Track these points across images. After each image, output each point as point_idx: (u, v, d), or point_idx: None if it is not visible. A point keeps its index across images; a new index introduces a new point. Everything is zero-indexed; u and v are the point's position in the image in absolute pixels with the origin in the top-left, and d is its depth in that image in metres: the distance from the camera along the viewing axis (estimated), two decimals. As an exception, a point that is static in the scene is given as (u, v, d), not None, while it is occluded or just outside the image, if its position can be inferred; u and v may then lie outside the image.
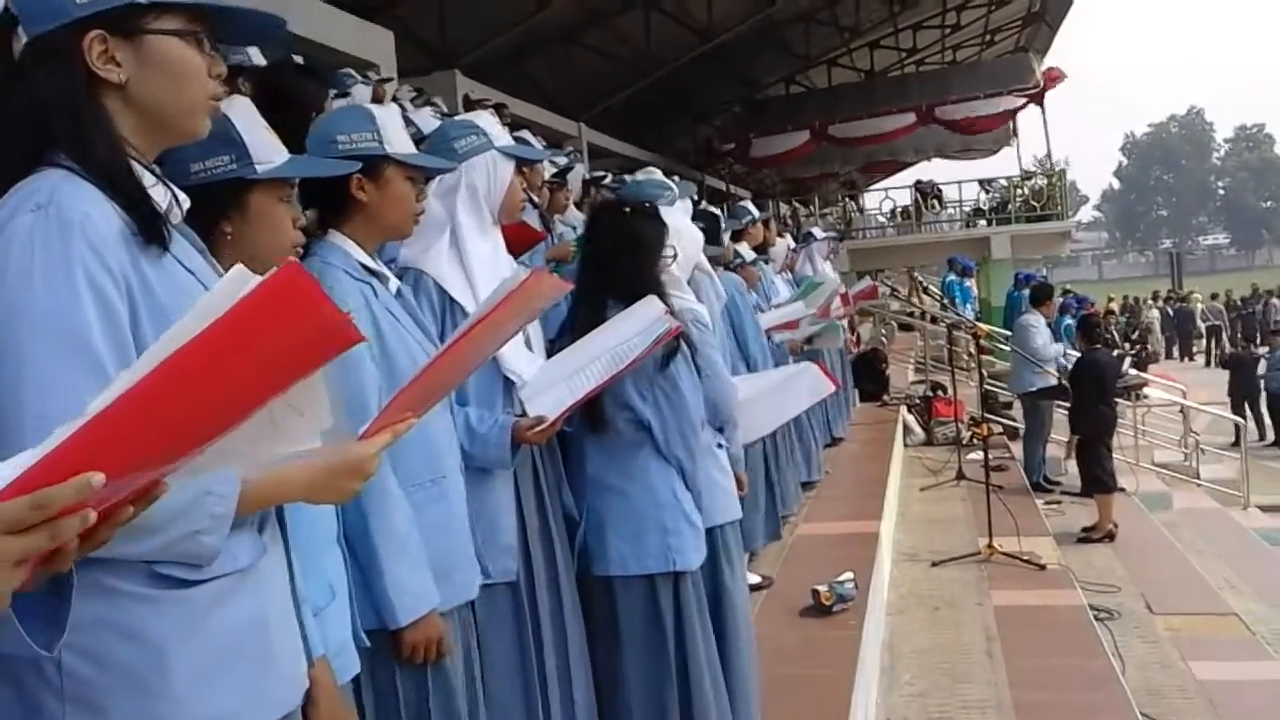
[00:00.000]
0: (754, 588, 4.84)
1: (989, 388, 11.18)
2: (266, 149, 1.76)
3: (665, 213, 3.53)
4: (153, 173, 1.41)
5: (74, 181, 1.31)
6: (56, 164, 1.32)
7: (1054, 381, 9.48)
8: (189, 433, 0.92)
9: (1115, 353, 11.48)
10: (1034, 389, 9.61)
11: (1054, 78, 21.21)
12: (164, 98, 1.39)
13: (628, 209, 3.11)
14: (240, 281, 0.92)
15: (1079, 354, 9.32)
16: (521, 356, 2.58)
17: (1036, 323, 9.68)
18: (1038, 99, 21.06)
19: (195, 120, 1.44)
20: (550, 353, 2.74)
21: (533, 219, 4.50)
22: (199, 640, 1.31)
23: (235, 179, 1.71)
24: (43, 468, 0.85)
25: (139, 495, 0.94)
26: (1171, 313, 30.36)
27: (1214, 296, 31.29)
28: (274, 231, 1.77)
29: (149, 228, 1.34)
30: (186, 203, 1.47)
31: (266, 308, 0.91)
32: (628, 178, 5.74)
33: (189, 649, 1.29)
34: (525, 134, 5.92)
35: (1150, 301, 31.50)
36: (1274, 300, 30.05)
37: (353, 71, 7.15)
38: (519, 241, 2.75)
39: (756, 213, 6.66)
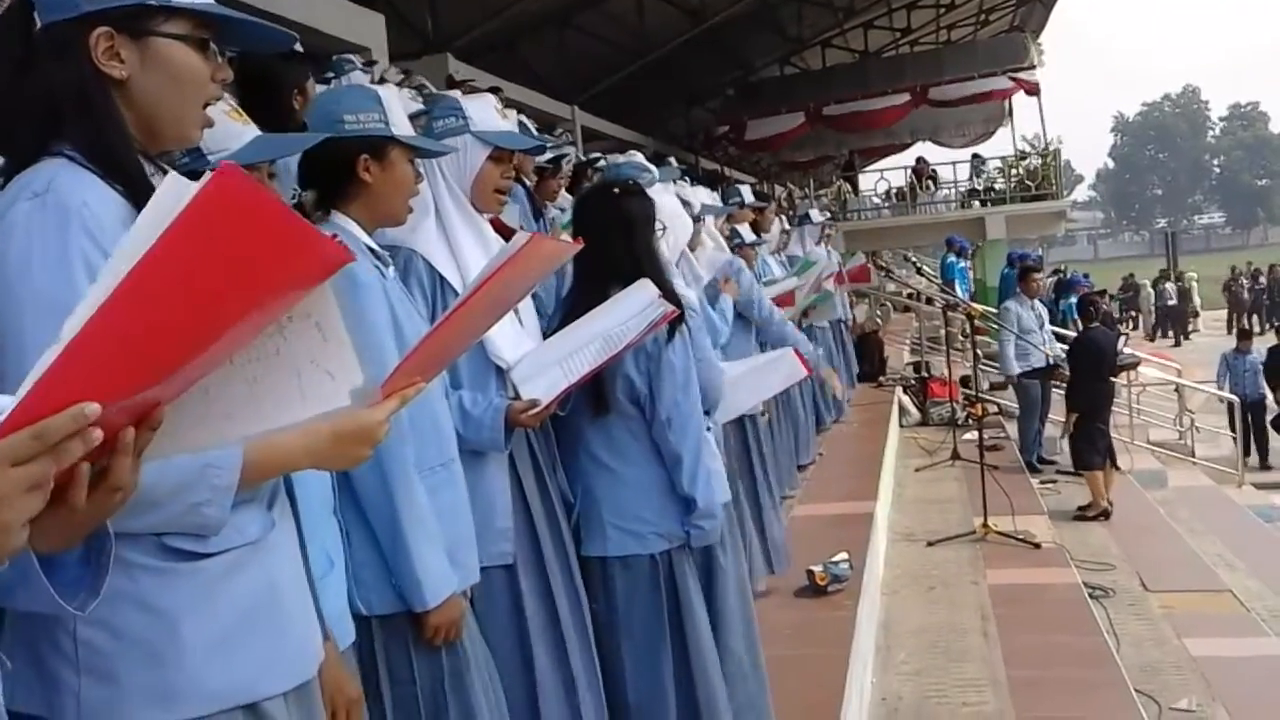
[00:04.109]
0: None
1: (982, 368, 11.19)
2: (220, 136, 1.73)
3: (659, 194, 3.51)
4: (153, 162, 1.43)
5: (73, 170, 1.33)
6: (58, 154, 1.34)
7: (1039, 363, 9.46)
8: (168, 349, 0.92)
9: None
10: (1016, 372, 9.59)
11: (1030, 90, 21.21)
12: (162, 100, 1.41)
13: (615, 189, 3.10)
14: (178, 190, 0.91)
15: (1076, 333, 9.33)
16: (509, 339, 2.57)
17: (1011, 305, 9.70)
18: (1030, 90, 21.07)
19: (188, 128, 1.46)
20: (548, 337, 2.73)
21: (522, 202, 4.48)
22: (211, 611, 1.34)
23: (189, 170, 1.67)
24: (32, 401, 0.87)
25: (137, 417, 0.95)
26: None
27: (1166, 276, 31.31)
28: None
29: None
30: None
31: (208, 212, 0.89)
32: (606, 159, 5.74)
33: (201, 620, 1.33)
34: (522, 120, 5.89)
35: (1156, 282, 31.54)
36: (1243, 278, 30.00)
37: (352, 57, 7.09)
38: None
39: (749, 198, 6.65)
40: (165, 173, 1.42)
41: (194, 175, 1.65)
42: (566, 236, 3.29)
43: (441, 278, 2.48)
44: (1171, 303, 29.42)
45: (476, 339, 2.20)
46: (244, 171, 0.92)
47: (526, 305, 2.72)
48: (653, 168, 4.07)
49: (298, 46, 1.76)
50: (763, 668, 3.26)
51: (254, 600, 1.38)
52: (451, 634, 2.13)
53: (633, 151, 4.31)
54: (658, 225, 3.07)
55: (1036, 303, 9.81)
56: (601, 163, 6.68)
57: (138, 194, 1.34)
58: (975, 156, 22.31)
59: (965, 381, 10.58)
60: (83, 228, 1.28)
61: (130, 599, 1.29)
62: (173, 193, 0.91)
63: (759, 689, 3.20)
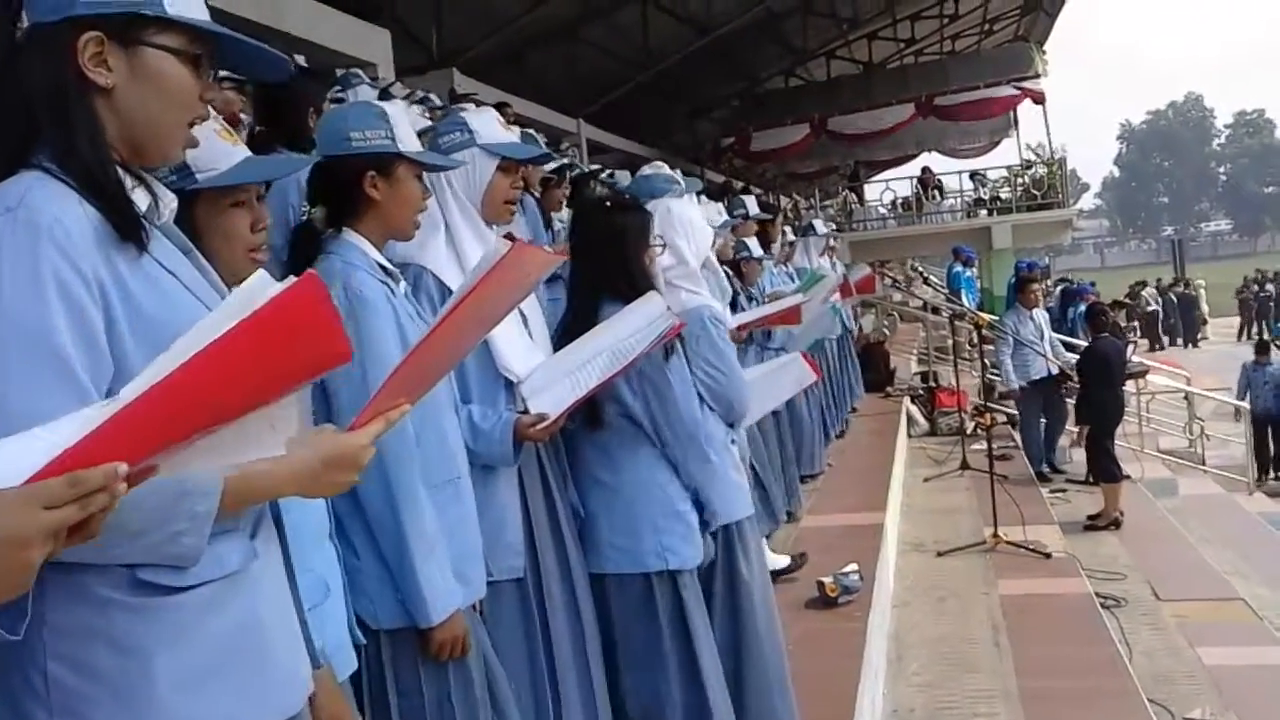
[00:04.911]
0: (785, 571, 4.88)
1: (990, 376, 11.17)
2: (209, 156, 1.71)
3: (677, 205, 3.52)
4: (134, 175, 1.39)
5: (47, 183, 1.28)
6: (35, 165, 1.30)
7: (1040, 374, 9.39)
8: (197, 423, 0.99)
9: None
10: (1016, 385, 9.50)
11: (1036, 99, 21.23)
12: (147, 113, 1.36)
13: (609, 203, 3.10)
14: (260, 288, 1.00)
15: (1086, 343, 9.27)
16: (518, 351, 2.57)
17: (1007, 318, 9.63)
18: (1036, 98, 21.07)
19: (171, 144, 1.41)
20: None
21: (533, 213, 4.50)
22: (188, 647, 1.28)
23: (176, 187, 1.64)
24: (74, 453, 0.93)
25: (132, 478, 0.97)
26: (1175, 300, 30.40)
27: (1144, 285, 31.30)
28: (224, 238, 1.74)
29: (125, 227, 1.31)
30: (173, 202, 1.45)
31: (284, 313, 0.99)
32: (619, 173, 5.75)
33: (177, 656, 1.27)
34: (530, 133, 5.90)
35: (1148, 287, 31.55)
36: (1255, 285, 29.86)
37: (359, 72, 7.13)
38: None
39: (753, 210, 6.65)
40: (149, 187, 1.40)
41: (180, 193, 1.69)
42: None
43: (451, 293, 2.48)
44: (1151, 308, 29.41)
45: (465, 356, 2.19)
46: (323, 283, 1.01)
47: (536, 318, 2.72)
48: (679, 180, 4.07)
49: (301, 61, 1.76)
50: (789, 682, 3.25)
51: (234, 635, 1.32)
52: (457, 650, 2.13)
53: (659, 163, 4.29)
54: (655, 239, 3.07)
55: (1036, 313, 9.71)
56: (613, 177, 6.71)
57: (112, 209, 1.30)
58: (974, 174, 22.29)
59: (977, 390, 10.57)
60: (54, 245, 1.23)
61: (102, 636, 1.24)
62: (257, 287, 1.00)
63: (784, 704, 3.19)
